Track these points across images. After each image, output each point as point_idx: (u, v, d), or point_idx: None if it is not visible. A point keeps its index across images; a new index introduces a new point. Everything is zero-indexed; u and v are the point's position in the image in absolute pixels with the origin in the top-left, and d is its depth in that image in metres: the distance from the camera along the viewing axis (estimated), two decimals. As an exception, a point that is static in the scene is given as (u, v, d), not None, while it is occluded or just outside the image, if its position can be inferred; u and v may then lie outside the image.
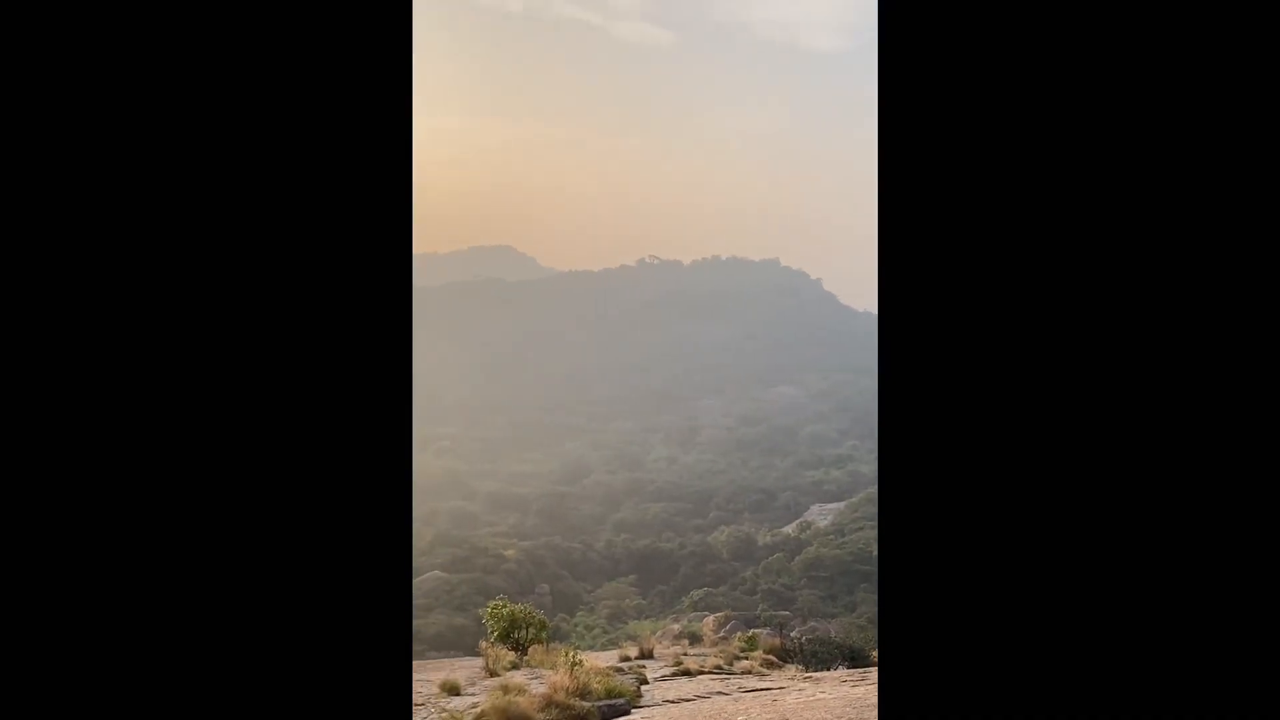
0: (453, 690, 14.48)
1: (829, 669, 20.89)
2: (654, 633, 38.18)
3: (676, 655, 21.64)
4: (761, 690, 15.18)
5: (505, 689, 12.90)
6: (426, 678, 16.06)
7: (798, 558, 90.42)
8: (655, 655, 21.94)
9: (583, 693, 13.24)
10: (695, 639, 34.04)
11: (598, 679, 14.07)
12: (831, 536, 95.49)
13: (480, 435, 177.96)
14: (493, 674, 16.33)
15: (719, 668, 18.80)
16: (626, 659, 20.73)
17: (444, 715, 12.41)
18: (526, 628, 20.51)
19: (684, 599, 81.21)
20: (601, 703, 13.24)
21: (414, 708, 13.26)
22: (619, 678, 15.25)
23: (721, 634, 35.78)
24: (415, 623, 70.91)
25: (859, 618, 58.57)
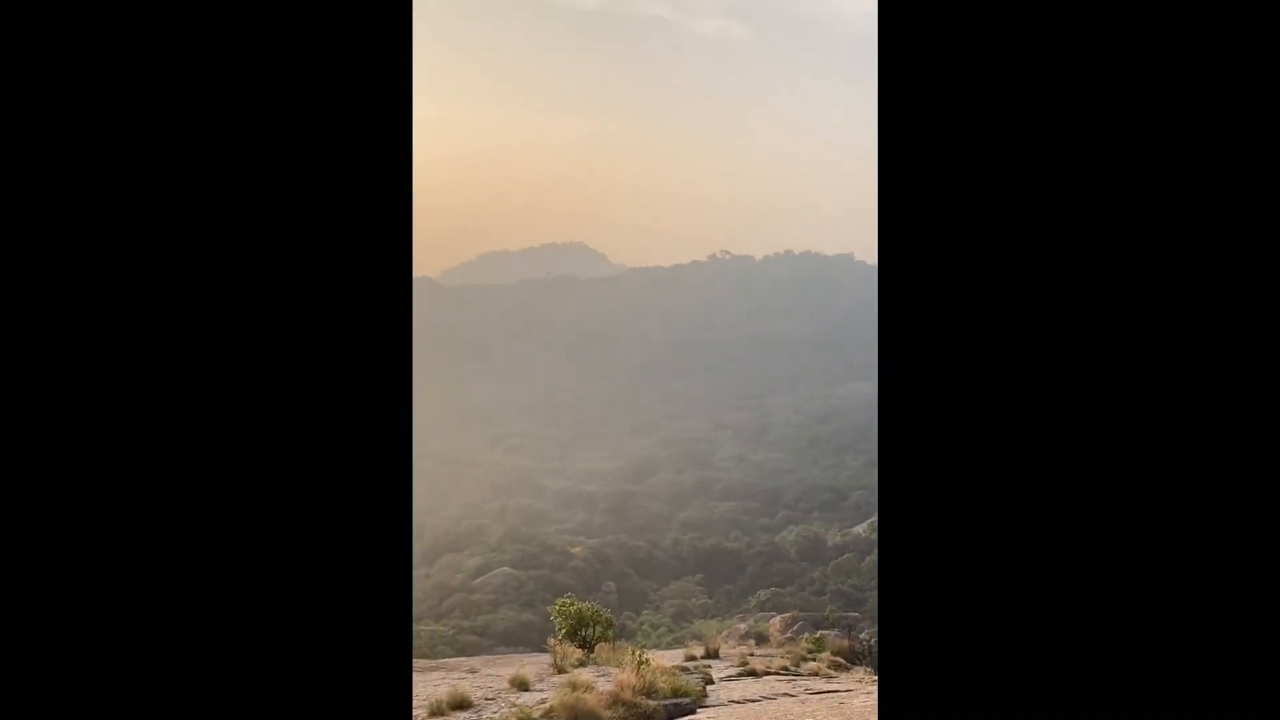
0: (522, 686, 14.62)
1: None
2: (720, 632, 38.17)
3: (742, 655, 21.63)
4: (829, 692, 15.13)
5: (573, 686, 12.99)
6: (496, 672, 16.24)
7: (868, 558, 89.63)
8: (720, 655, 21.95)
9: (649, 691, 13.30)
10: (761, 639, 33.99)
11: (664, 678, 14.12)
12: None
13: (550, 433, 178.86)
14: (560, 671, 16.46)
15: (785, 669, 18.76)
16: (692, 658, 20.76)
17: (513, 710, 12.54)
18: (593, 625, 20.62)
19: (750, 599, 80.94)
20: (667, 701, 13.29)
21: (485, 701, 13.42)
22: (684, 677, 15.29)
23: (788, 635, 35.67)
24: (484, 618, 71.48)
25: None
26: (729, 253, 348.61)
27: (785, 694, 15.06)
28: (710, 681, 16.15)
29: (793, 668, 19.16)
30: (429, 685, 14.79)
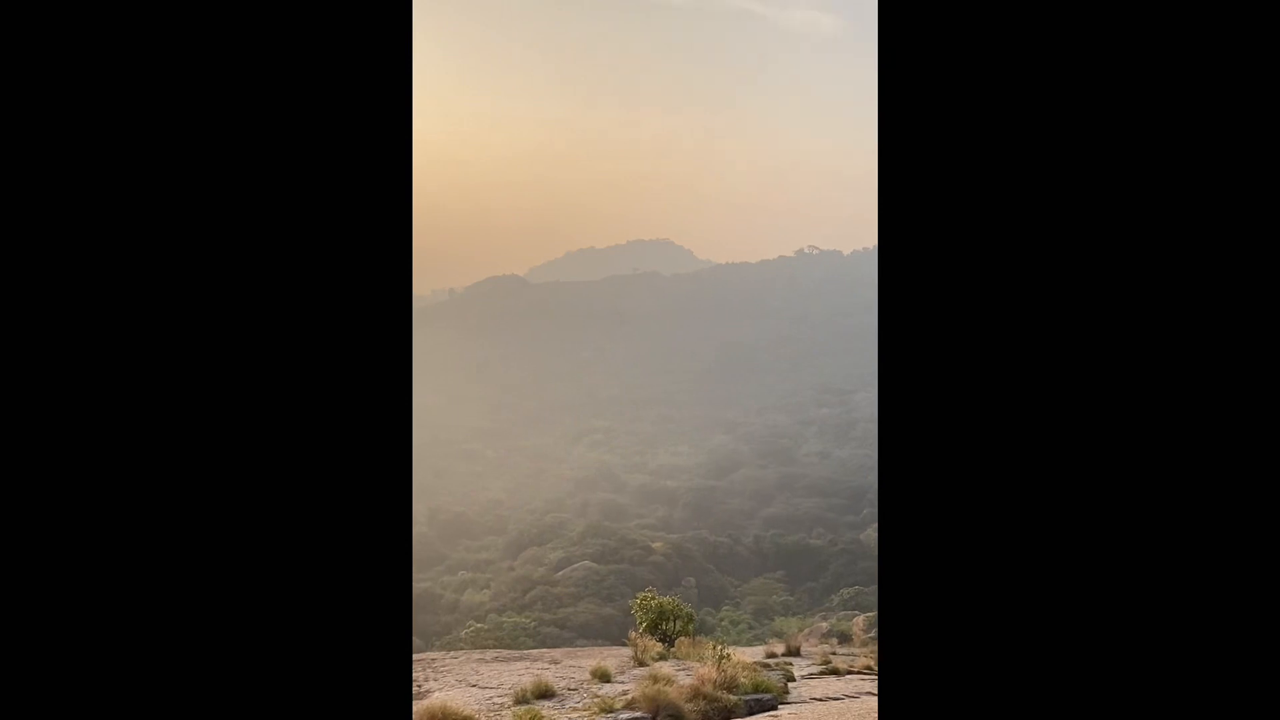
0: (603, 677, 14.74)
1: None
2: (801, 630, 38.03)
3: (824, 654, 21.57)
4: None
5: (654, 678, 13.08)
6: (577, 664, 16.39)
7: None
8: (802, 653, 21.90)
9: (729, 686, 13.34)
10: (844, 638, 33.79)
11: (745, 673, 14.15)
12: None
13: (632, 428, 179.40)
14: (641, 664, 16.56)
15: (869, 668, 18.65)
16: (772, 655, 20.75)
17: (595, 700, 12.67)
18: (674, 620, 20.68)
19: (833, 597, 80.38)
20: (748, 697, 13.32)
21: (568, 692, 13.57)
22: (765, 673, 15.30)
23: (872, 634, 35.41)
24: (565, 611, 71.96)
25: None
26: (816, 248, 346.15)
27: (868, 693, 14.99)
28: (791, 679, 16.14)
29: (876, 667, 19.05)
30: (513, 675, 14.99)
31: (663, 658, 17.63)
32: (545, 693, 13.26)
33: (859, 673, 18.02)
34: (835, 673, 17.80)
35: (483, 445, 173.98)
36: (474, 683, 14.51)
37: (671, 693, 12.44)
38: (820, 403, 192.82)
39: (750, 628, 67.18)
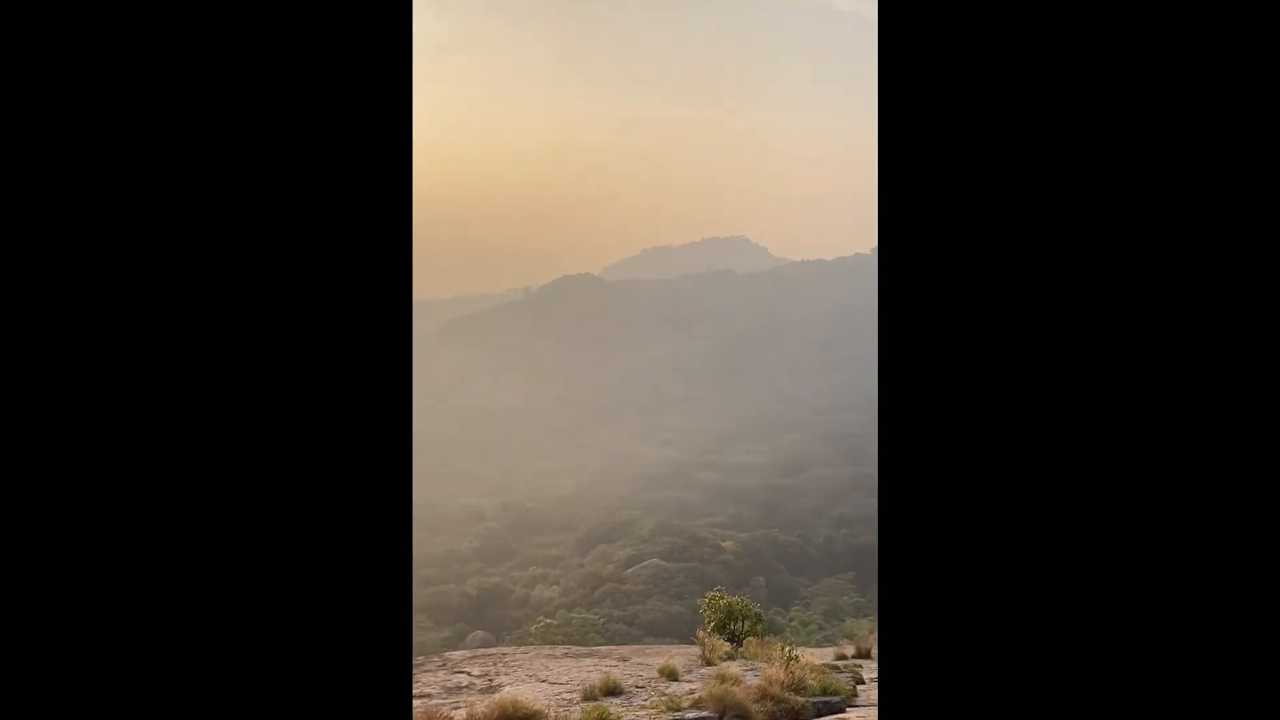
0: (671, 675, 14.82)
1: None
2: (871, 632, 37.76)
3: (894, 657, 21.39)
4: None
5: (721, 678, 13.12)
6: (645, 661, 16.48)
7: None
8: (872, 655, 21.79)
9: (797, 687, 13.34)
10: (915, 641, 33.45)
11: (813, 675, 14.14)
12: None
13: (704, 426, 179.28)
14: (708, 663, 16.61)
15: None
16: (842, 657, 20.66)
17: (663, 698, 12.76)
18: (742, 620, 20.67)
19: (905, 599, 79.60)
20: (816, 699, 13.31)
21: (635, 689, 13.68)
22: (834, 675, 15.27)
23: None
24: (633, 608, 72.19)
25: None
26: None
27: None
28: (861, 681, 16.08)
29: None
30: (582, 671, 15.14)
31: (731, 657, 17.66)
32: (613, 690, 13.38)
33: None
34: (904, 676, 17.66)
35: (554, 442, 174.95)
36: (543, 678, 14.68)
37: (739, 693, 12.48)
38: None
39: (820, 629, 66.89)
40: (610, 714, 11.86)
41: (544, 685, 14.02)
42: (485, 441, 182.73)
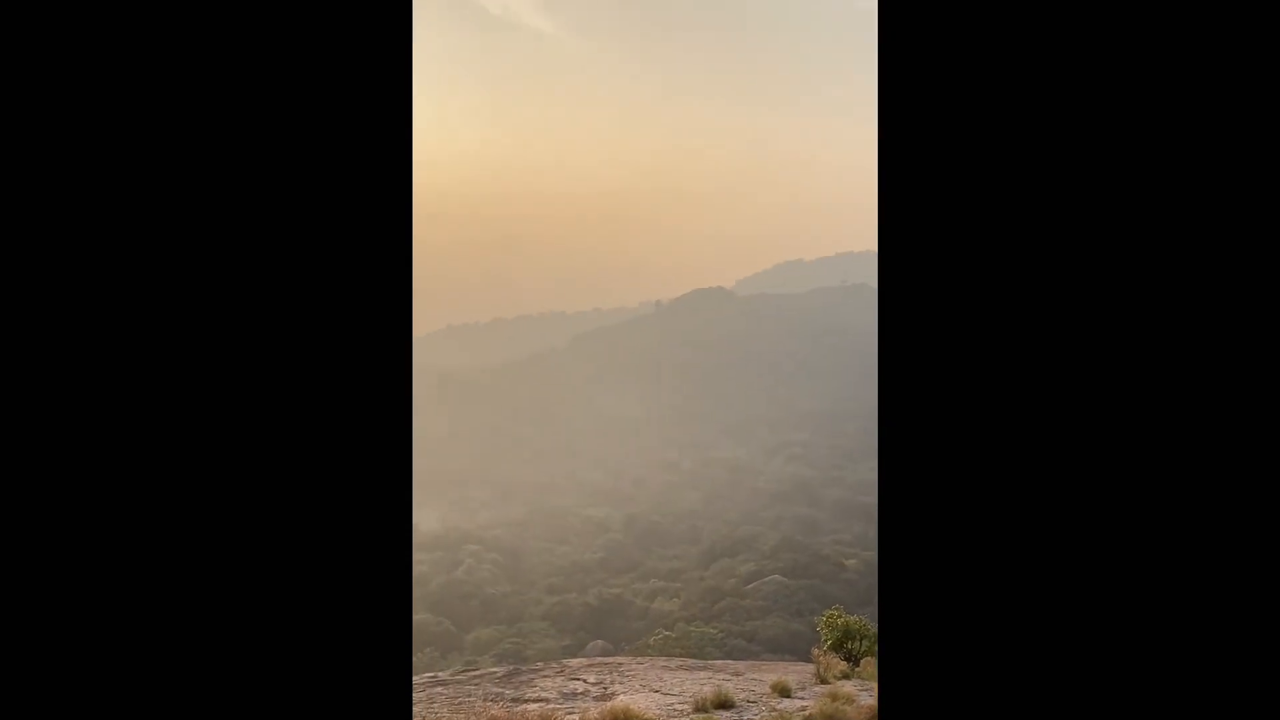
0: (783, 692, 14.89)
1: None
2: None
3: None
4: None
5: (833, 697, 13.17)
6: (760, 677, 16.57)
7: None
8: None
9: (910, 710, 13.30)
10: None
11: (926, 698, 14.06)
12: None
13: (832, 442, 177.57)
14: (823, 681, 16.62)
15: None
16: (961, 683, 20.41)
17: (773, 714, 12.86)
18: (860, 639, 20.54)
19: (1032, 628, 77.79)
20: (928, 722, 13.25)
21: (747, 704, 13.81)
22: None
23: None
24: (753, 623, 71.88)
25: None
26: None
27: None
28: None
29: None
30: (696, 684, 15.30)
31: (846, 677, 17.62)
32: (724, 703, 13.52)
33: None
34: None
35: (680, 455, 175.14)
36: (657, 688, 14.89)
37: (850, 712, 12.49)
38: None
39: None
40: (720, 726, 12.00)
41: (656, 695, 14.24)
42: (611, 453, 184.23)
